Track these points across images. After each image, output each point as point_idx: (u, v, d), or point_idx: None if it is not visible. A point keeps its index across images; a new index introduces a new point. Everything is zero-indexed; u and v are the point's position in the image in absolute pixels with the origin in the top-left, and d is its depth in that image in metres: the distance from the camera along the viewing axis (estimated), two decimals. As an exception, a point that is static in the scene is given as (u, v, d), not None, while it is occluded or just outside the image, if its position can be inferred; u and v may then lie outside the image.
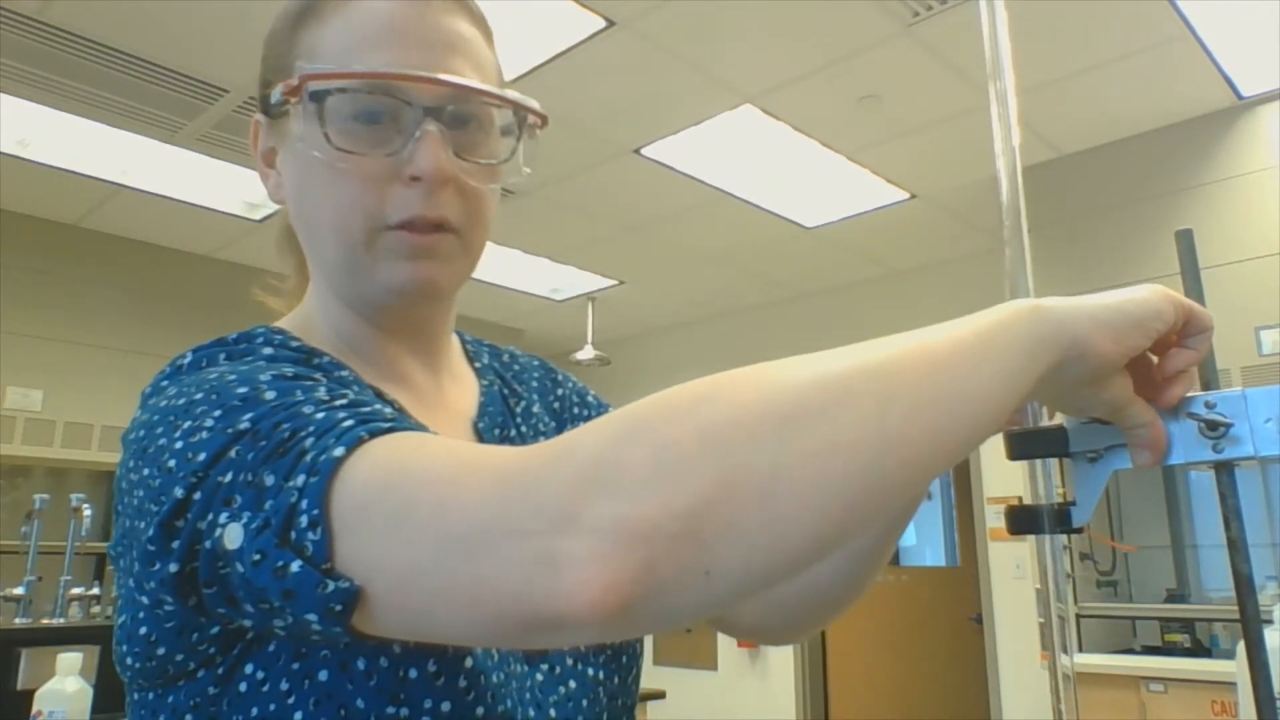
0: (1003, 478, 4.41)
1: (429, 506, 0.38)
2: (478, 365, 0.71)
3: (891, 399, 0.39)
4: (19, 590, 2.30)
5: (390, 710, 0.48)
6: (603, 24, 2.85)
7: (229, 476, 0.43)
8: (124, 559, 0.50)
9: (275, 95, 0.57)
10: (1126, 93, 3.29)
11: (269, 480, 0.42)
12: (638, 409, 0.38)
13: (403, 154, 0.55)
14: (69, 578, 2.39)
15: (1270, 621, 1.38)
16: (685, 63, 3.07)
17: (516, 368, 0.74)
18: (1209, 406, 0.46)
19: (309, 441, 0.42)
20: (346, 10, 0.57)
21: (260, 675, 0.48)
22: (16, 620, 2.25)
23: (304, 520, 0.40)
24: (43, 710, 1.67)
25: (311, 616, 0.40)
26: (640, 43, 2.95)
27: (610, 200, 4.17)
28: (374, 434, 0.42)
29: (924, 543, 6.01)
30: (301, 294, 0.66)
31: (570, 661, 0.59)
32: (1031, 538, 0.51)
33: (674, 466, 0.35)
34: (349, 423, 0.43)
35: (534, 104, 0.60)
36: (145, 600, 0.48)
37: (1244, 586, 0.45)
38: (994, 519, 4.45)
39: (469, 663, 0.50)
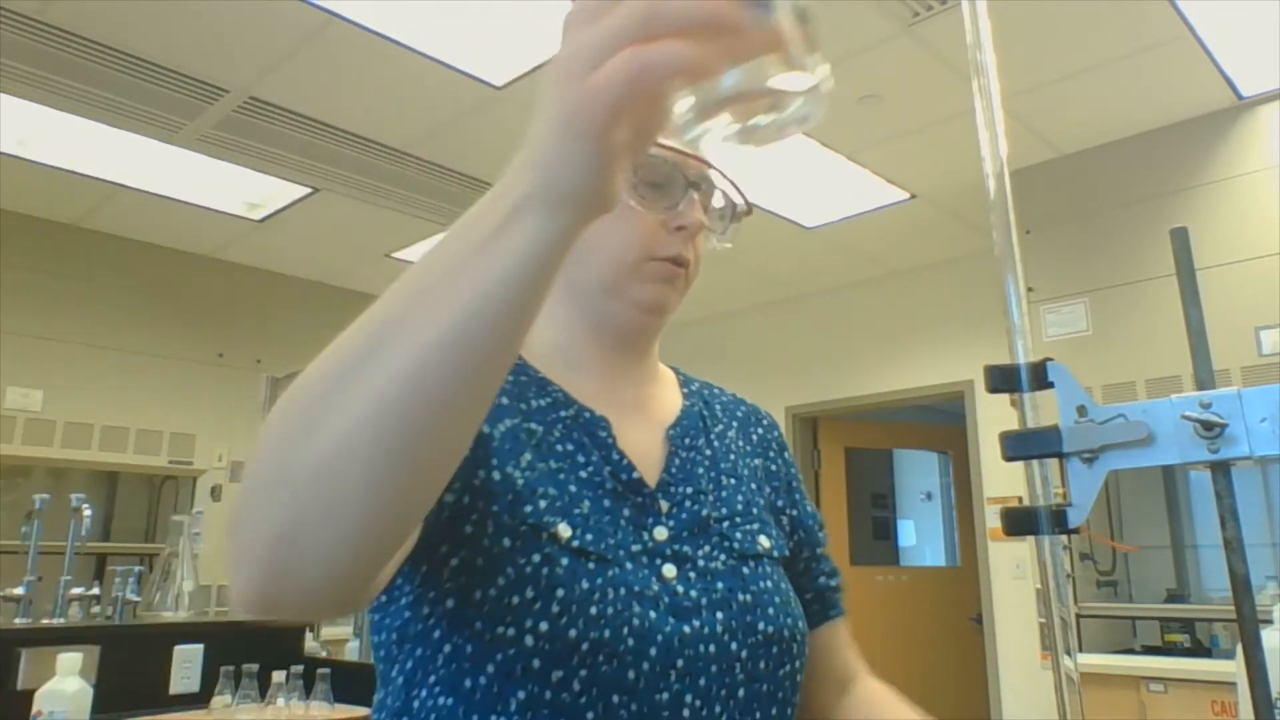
0: (1003, 478, 4.41)
1: None
2: (685, 391, 0.87)
3: (380, 360, 0.43)
4: (19, 590, 2.30)
5: (499, 630, 0.62)
6: (602, 24, 2.85)
7: None
8: None
9: None
10: (1126, 93, 3.29)
11: None
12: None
13: (674, 212, 0.74)
14: (69, 578, 2.39)
15: (1269, 621, 1.38)
16: (685, 63, 3.07)
17: (725, 399, 0.90)
18: (1204, 406, 0.46)
19: None
20: None
21: (422, 592, 0.65)
22: (16, 620, 2.25)
23: None
24: (43, 710, 1.67)
25: None
26: (640, 43, 2.95)
27: (610, 200, 4.16)
28: None
29: (924, 543, 6.01)
30: None
31: (709, 634, 0.67)
32: (1031, 538, 0.51)
33: (243, 520, 0.45)
34: None
35: (748, 198, 0.82)
36: None
37: (1240, 586, 0.45)
38: (994, 519, 4.44)
39: (560, 593, 0.63)
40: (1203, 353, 0.47)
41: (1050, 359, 0.50)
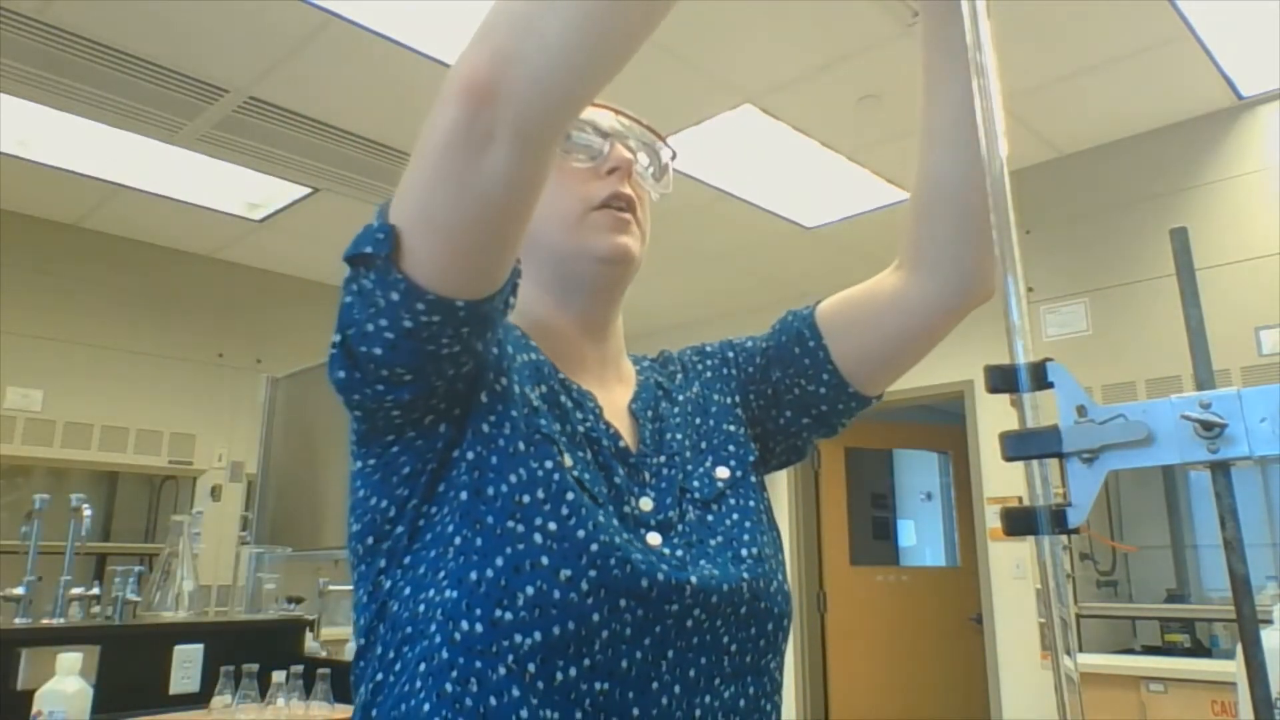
0: (1003, 478, 4.41)
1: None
2: (638, 369, 0.89)
3: None
4: (19, 590, 2.30)
5: (509, 524, 0.64)
6: (602, 24, 2.85)
7: None
8: (353, 464, 0.70)
9: None
10: (1126, 93, 3.29)
11: None
12: None
13: (601, 157, 0.80)
14: (69, 578, 2.39)
15: (1269, 621, 1.38)
16: (685, 63, 3.07)
17: (671, 369, 0.91)
18: (1204, 406, 0.46)
19: None
20: None
21: (431, 510, 0.67)
22: (16, 620, 2.25)
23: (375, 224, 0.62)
24: (43, 710, 1.67)
25: (369, 249, 0.61)
26: (640, 43, 2.95)
27: (610, 200, 4.16)
28: None
29: (924, 543, 6.01)
30: None
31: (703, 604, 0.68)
32: (1031, 538, 0.51)
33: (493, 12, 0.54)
34: None
35: (670, 145, 0.88)
36: (358, 465, 0.69)
37: (1240, 586, 0.45)
38: (994, 519, 4.44)
39: (570, 496, 0.66)
40: (1203, 353, 0.47)
41: (1050, 359, 0.50)
